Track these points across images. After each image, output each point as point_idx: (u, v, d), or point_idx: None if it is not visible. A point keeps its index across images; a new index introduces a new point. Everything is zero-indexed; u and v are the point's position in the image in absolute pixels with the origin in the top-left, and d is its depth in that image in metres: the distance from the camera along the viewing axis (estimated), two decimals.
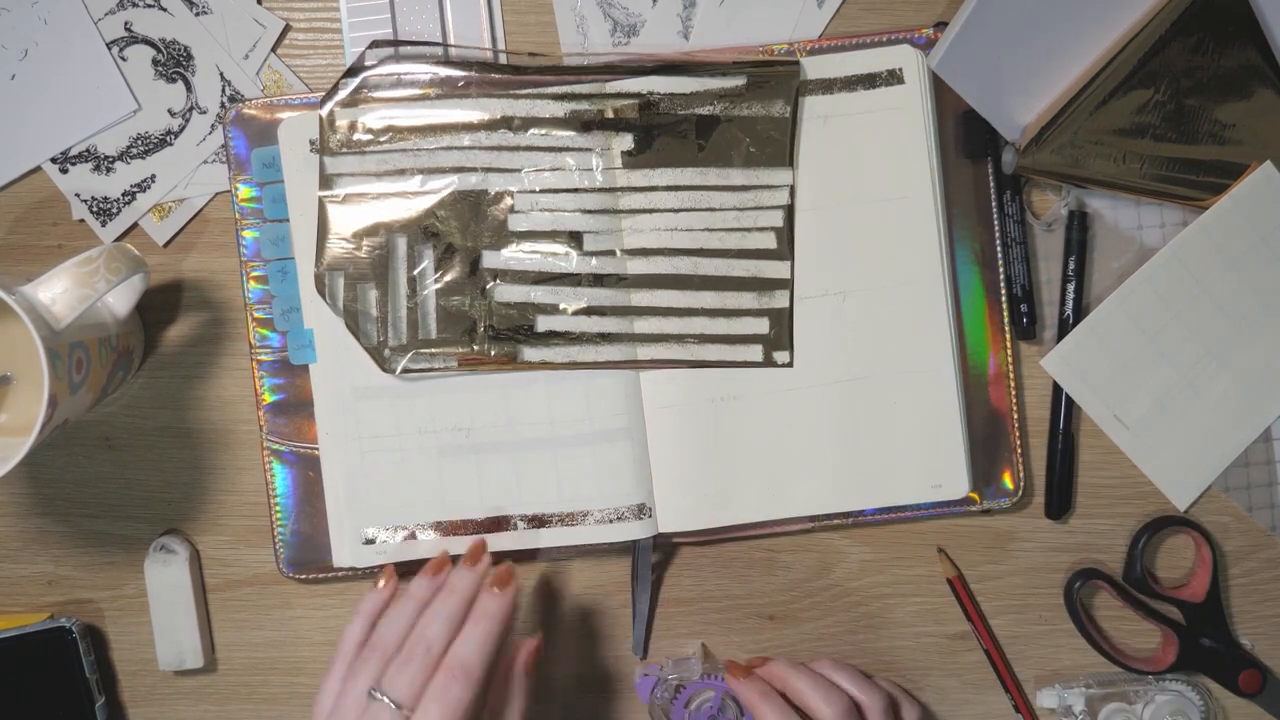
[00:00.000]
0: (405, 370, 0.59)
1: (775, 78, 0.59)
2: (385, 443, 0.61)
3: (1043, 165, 0.59)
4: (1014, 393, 0.62)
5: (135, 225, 0.63)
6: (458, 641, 0.51)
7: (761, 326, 0.60)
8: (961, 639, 0.64)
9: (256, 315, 0.62)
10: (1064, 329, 0.62)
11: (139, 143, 0.62)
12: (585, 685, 0.65)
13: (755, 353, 0.60)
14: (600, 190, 0.59)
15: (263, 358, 0.62)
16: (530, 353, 0.59)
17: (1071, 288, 0.62)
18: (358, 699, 0.50)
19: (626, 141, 0.59)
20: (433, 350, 0.59)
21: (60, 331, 0.53)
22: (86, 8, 0.62)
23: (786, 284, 0.60)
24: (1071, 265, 0.62)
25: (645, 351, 0.60)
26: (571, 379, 0.60)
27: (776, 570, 0.64)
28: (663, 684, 0.62)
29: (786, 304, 0.60)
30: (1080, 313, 0.62)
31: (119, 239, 0.63)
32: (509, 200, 0.59)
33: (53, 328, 0.53)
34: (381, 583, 0.56)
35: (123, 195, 0.63)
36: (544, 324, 0.59)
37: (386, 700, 0.49)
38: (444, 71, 0.59)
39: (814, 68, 0.60)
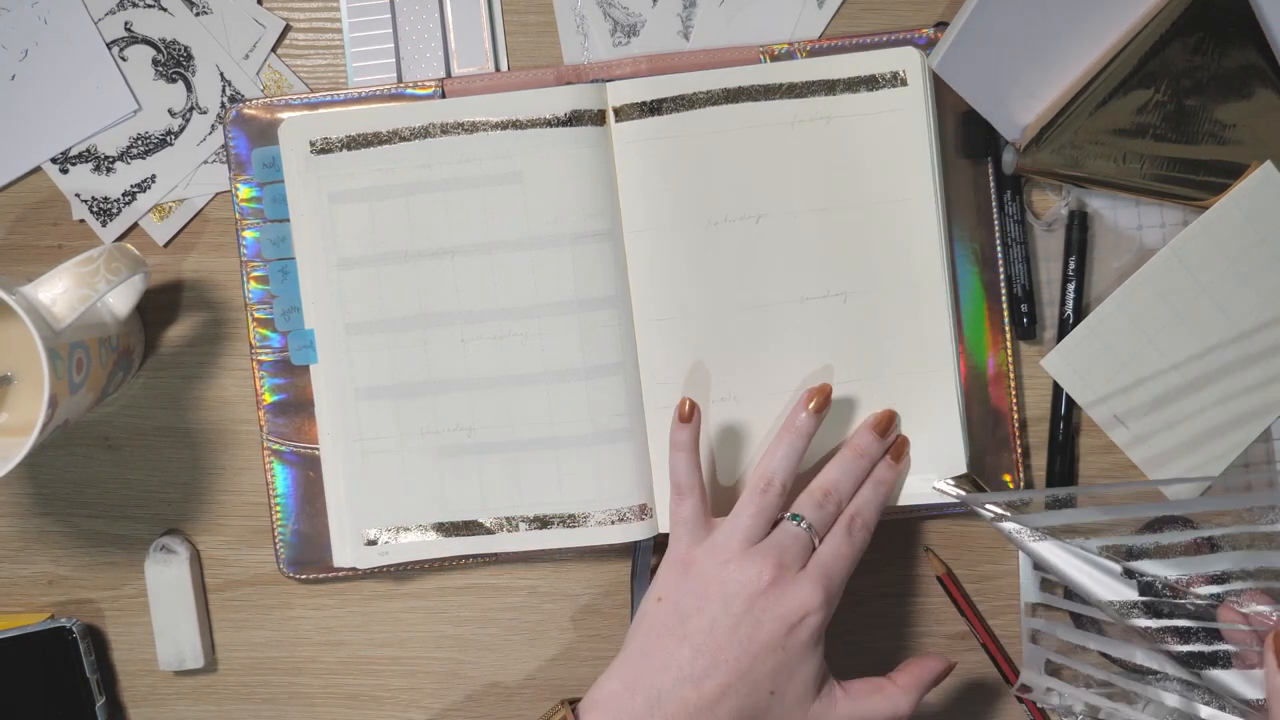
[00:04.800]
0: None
1: None
2: (386, 443, 0.61)
3: (1043, 165, 0.59)
4: (1014, 393, 0.62)
5: (135, 225, 0.63)
6: (861, 499, 0.58)
7: None
8: (962, 639, 0.64)
9: (257, 315, 0.61)
10: (1064, 329, 0.62)
11: (139, 143, 0.62)
12: (583, 685, 0.65)
13: None
14: None
15: (263, 358, 0.62)
16: None
17: (1071, 288, 0.62)
18: (778, 522, 0.57)
19: None
20: None
21: (60, 331, 0.53)
22: (86, 8, 0.62)
23: None
24: (1071, 265, 0.62)
25: None
26: (572, 379, 0.60)
27: None
28: None
29: None
30: (1080, 313, 0.62)
31: (119, 239, 0.63)
32: None
33: (53, 328, 0.53)
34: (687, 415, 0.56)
35: (123, 195, 0.63)
36: None
37: (803, 526, 0.56)
38: None
39: (815, 69, 0.60)
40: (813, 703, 0.54)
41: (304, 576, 0.62)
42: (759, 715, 0.53)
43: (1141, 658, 0.57)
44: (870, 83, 0.60)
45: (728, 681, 0.52)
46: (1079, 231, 0.62)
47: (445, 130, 0.60)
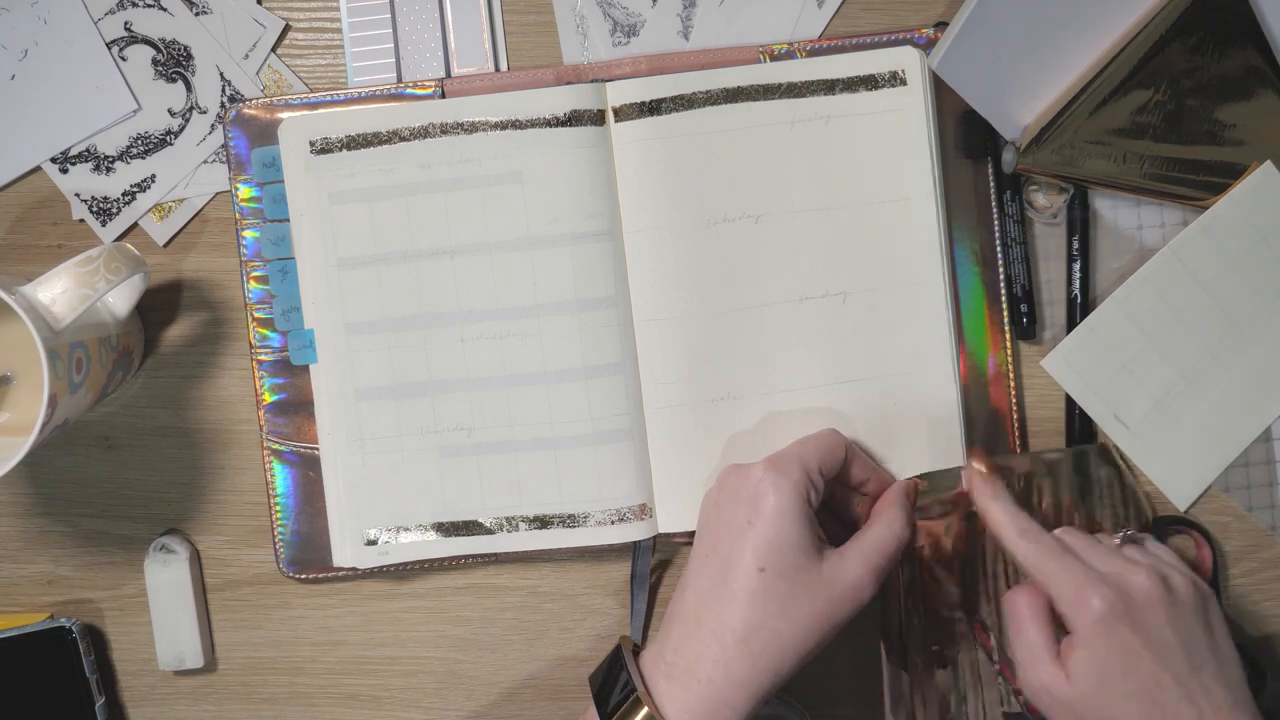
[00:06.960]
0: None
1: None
2: (386, 443, 0.61)
3: (1043, 165, 0.59)
4: (1014, 393, 0.62)
5: (135, 225, 0.63)
6: None
7: None
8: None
9: (257, 315, 0.62)
10: (1071, 310, 0.62)
11: (139, 143, 0.62)
12: (583, 684, 0.65)
13: None
14: None
15: (263, 358, 0.62)
16: None
17: (1077, 267, 0.62)
18: None
19: None
20: None
21: (60, 331, 0.53)
22: (86, 8, 0.62)
23: None
24: (1076, 245, 0.62)
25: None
26: (571, 379, 0.60)
27: None
28: None
29: None
30: (1086, 293, 0.62)
31: (119, 239, 0.63)
32: None
33: (53, 328, 0.53)
34: None
35: (123, 195, 0.63)
36: None
37: None
38: None
39: (815, 68, 0.60)
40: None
41: (304, 576, 0.62)
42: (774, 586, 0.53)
43: None
44: (870, 82, 0.60)
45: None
46: (1080, 210, 0.61)
47: (445, 130, 0.60)
